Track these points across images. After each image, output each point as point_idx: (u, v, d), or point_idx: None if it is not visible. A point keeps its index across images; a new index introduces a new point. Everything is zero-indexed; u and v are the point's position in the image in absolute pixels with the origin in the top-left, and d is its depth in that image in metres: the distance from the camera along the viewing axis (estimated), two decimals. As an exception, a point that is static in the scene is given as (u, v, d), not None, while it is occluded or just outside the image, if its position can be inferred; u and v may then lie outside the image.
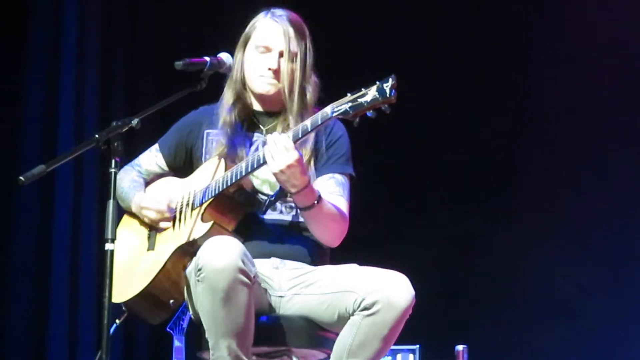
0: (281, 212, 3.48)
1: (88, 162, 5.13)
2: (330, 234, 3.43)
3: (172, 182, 3.62)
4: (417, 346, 4.90)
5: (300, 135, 3.28)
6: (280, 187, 3.35)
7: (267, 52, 3.50)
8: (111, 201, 3.06)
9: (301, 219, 3.44)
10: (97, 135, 3.11)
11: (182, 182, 3.58)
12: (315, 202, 3.30)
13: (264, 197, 3.45)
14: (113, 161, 3.09)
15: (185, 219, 3.46)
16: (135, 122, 3.15)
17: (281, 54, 3.49)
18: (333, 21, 5.42)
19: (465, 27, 5.65)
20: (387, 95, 3.12)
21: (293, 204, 3.44)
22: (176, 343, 4.59)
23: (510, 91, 5.56)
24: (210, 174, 3.47)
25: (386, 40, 5.61)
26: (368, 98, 3.15)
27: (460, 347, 4.64)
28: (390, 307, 3.17)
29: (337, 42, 5.12)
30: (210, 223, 3.34)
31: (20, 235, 5.08)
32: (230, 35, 3.61)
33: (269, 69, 3.49)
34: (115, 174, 3.09)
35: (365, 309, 3.19)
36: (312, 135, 3.41)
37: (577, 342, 5.27)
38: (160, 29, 5.66)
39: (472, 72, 5.58)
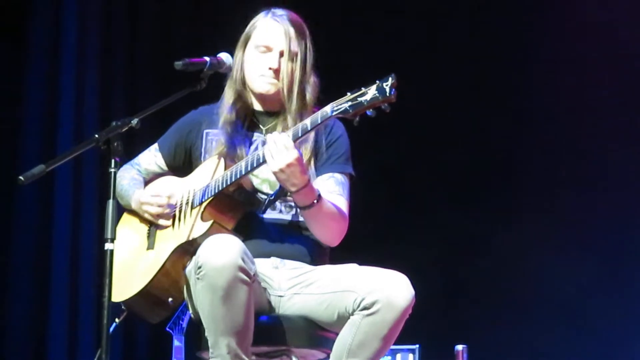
0: (280, 211, 3.48)
1: (88, 162, 5.13)
2: (330, 233, 3.43)
3: (171, 181, 3.62)
4: (417, 346, 4.90)
5: (300, 135, 3.28)
6: (280, 186, 3.35)
7: (268, 52, 3.50)
8: (111, 201, 3.06)
9: (301, 218, 3.44)
10: (96, 135, 3.11)
11: (181, 181, 3.58)
12: (315, 201, 3.30)
13: (264, 196, 3.45)
14: (113, 161, 3.09)
15: (184, 217, 3.46)
16: (135, 122, 3.15)
17: (282, 54, 3.50)
18: (333, 21, 5.42)
19: (465, 27, 5.65)
20: (387, 94, 3.13)
21: (292, 203, 3.44)
22: (176, 343, 4.59)
23: (510, 91, 5.55)
24: (210, 173, 3.47)
25: (386, 40, 5.61)
26: (368, 97, 3.15)
27: (460, 347, 4.64)
28: (390, 306, 3.17)
29: (337, 42, 5.12)
30: (210, 222, 3.34)
31: (20, 235, 5.08)
32: (230, 35, 3.61)
33: (270, 68, 3.49)
34: (115, 173, 3.09)
35: (365, 308, 3.19)
36: (311, 135, 3.41)
37: (577, 342, 5.26)
38: (160, 29, 5.66)
39: (472, 72, 5.58)
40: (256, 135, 3.55)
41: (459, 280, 5.52)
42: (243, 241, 3.24)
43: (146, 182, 3.67)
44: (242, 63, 3.54)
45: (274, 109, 3.55)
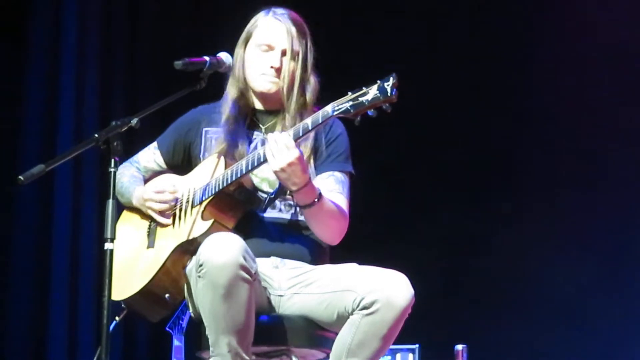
0: (280, 210, 3.48)
1: (87, 162, 5.13)
2: (330, 232, 3.43)
3: (171, 179, 3.61)
4: (417, 346, 4.90)
5: (300, 134, 3.28)
6: (280, 184, 3.35)
7: (270, 50, 3.50)
8: (110, 200, 3.06)
9: (301, 217, 3.44)
10: (96, 135, 3.11)
11: (181, 179, 3.58)
12: (316, 200, 3.30)
13: (264, 195, 3.45)
14: (112, 161, 3.09)
15: (185, 216, 3.46)
16: (134, 121, 3.15)
17: (284, 53, 3.49)
18: (333, 21, 5.41)
19: (465, 27, 5.65)
20: (388, 94, 3.12)
21: (292, 202, 3.44)
22: (176, 342, 4.59)
23: (510, 91, 5.55)
24: (210, 171, 3.46)
25: (386, 40, 5.61)
26: (369, 97, 3.15)
27: (459, 347, 4.64)
28: (389, 306, 3.17)
29: (337, 42, 5.12)
30: (211, 221, 3.34)
31: (20, 235, 5.08)
32: (230, 35, 3.61)
33: (272, 67, 3.48)
34: (115, 173, 3.09)
35: (364, 308, 3.19)
36: (312, 134, 3.40)
37: (577, 342, 5.26)
38: (160, 29, 5.66)
39: (472, 72, 5.58)
40: (256, 134, 3.55)
41: (459, 280, 5.52)
42: (243, 240, 3.24)
43: (145, 181, 3.67)
44: (242, 61, 3.54)
45: (274, 107, 3.55)
